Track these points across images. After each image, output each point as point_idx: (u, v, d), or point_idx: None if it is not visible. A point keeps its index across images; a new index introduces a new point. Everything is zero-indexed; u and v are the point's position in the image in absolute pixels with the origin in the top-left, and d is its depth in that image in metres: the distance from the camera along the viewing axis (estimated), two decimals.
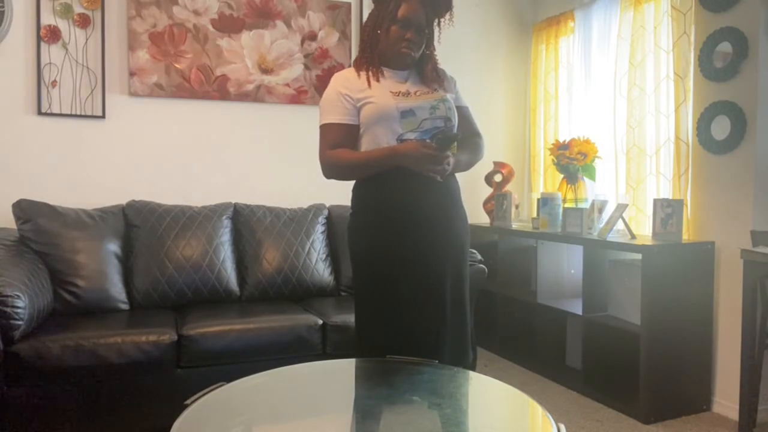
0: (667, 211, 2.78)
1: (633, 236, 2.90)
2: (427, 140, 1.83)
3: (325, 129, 1.90)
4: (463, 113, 2.04)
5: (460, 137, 1.93)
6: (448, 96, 1.95)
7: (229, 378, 1.64)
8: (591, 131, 3.49)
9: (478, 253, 2.96)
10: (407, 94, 1.89)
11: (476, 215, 3.97)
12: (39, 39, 2.94)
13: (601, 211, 3.14)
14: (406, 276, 1.86)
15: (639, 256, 2.73)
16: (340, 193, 3.55)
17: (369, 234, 1.90)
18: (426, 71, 1.98)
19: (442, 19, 1.98)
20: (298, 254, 3.04)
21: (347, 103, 1.87)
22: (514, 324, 3.60)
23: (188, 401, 1.43)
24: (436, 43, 2.02)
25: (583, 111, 3.64)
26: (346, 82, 1.90)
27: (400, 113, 1.83)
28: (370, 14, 1.99)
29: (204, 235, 2.90)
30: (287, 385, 1.73)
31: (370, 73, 1.90)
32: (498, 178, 3.79)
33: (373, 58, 1.93)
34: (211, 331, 2.46)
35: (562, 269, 3.42)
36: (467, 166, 2.00)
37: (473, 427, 1.48)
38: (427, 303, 1.87)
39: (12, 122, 2.94)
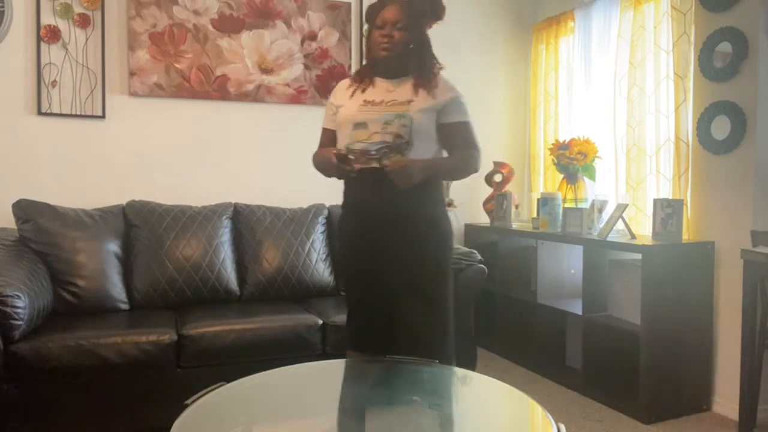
0: (667, 211, 2.78)
1: (633, 236, 2.90)
2: (338, 152, 1.93)
3: (321, 132, 2.18)
4: (452, 130, 2.02)
5: (353, 164, 1.90)
6: (411, 113, 1.94)
7: (229, 378, 1.64)
8: (591, 131, 3.48)
9: (478, 253, 2.96)
10: (378, 103, 1.97)
11: (476, 215, 3.97)
12: (39, 39, 2.94)
13: (601, 211, 3.14)
14: (364, 272, 2.03)
15: (639, 256, 2.73)
16: (341, 194, 3.55)
17: (340, 231, 2.17)
18: (418, 75, 2.01)
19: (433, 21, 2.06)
20: (298, 254, 3.04)
21: (331, 110, 2.12)
22: (514, 324, 3.60)
23: (188, 401, 1.43)
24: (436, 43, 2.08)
25: (583, 111, 3.63)
26: (337, 90, 2.13)
27: (353, 125, 1.97)
28: None
29: (204, 235, 2.90)
30: (287, 385, 1.73)
31: (362, 84, 2.05)
32: (498, 178, 3.79)
33: (366, 68, 2.09)
34: (211, 331, 2.46)
35: (562, 269, 3.42)
36: (448, 176, 2.12)
37: (473, 427, 1.48)
38: (380, 301, 2.00)
39: (12, 122, 2.94)
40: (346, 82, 2.12)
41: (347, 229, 2.09)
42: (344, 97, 2.06)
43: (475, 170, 2.10)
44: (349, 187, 2.07)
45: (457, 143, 2.04)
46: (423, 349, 1.88)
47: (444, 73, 2.09)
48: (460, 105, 2.05)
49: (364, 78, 2.05)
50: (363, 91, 2.02)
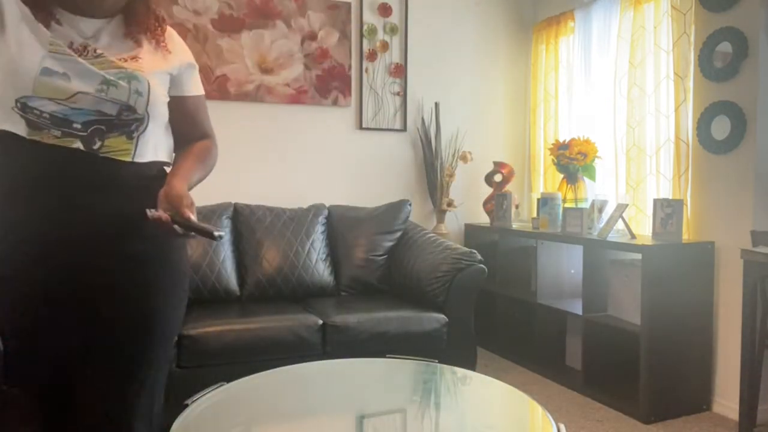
0: (667, 211, 2.78)
1: (633, 236, 2.90)
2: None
3: None
4: (191, 105, 1.42)
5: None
6: (147, 76, 1.28)
7: (229, 378, 1.64)
8: (591, 131, 3.49)
9: (478, 253, 2.96)
10: (82, 50, 1.23)
11: (476, 215, 3.97)
12: None
13: (601, 211, 3.14)
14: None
15: (639, 256, 2.73)
16: (340, 193, 3.56)
17: None
18: (139, 27, 1.31)
19: None
20: (298, 254, 3.04)
21: None
22: (514, 324, 3.60)
23: (188, 401, 1.43)
24: None
25: (583, 111, 3.64)
26: None
27: (42, 69, 1.17)
28: None
29: None
30: (287, 385, 1.73)
31: (38, 13, 1.21)
32: (498, 178, 3.79)
33: None
34: (211, 331, 2.46)
35: (562, 269, 3.42)
36: (197, 182, 1.47)
37: (473, 427, 1.48)
38: None
39: None
40: None
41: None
42: (10, 16, 1.19)
43: (213, 166, 1.55)
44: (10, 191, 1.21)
45: (192, 129, 1.45)
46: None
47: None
48: (196, 71, 1.44)
49: (37, 6, 1.21)
50: (45, 25, 1.20)
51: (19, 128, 1.17)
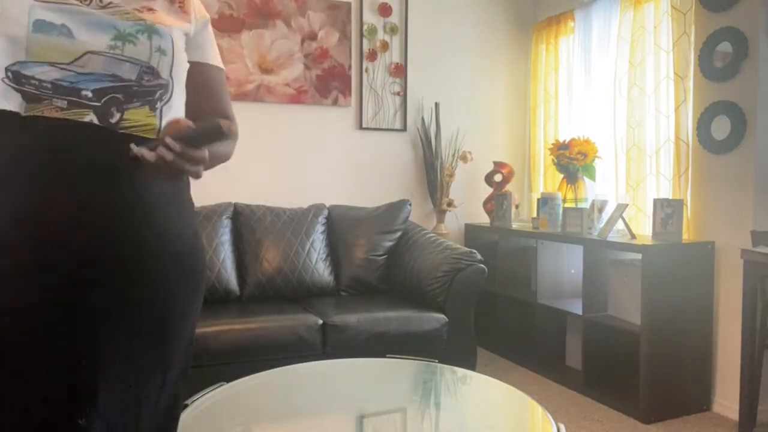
0: (667, 211, 2.78)
1: (633, 236, 2.90)
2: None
3: None
4: (211, 77, 1.21)
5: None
6: (169, 31, 1.06)
7: (229, 378, 1.64)
8: (591, 131, 3.49)
9: (478, 253, 2.96)
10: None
11: (476, 215, 3.97)
12: None
13: (601, 211, 3.14)
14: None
15: (639, 256, 2.73)
16: (340, 193, 3.56)
17: None
18: None
19: None
20: (298, 254, 3.04)
21: None
22: (514, 324, 3.60)
23: (188, 401, 1.43)
24: None
25: (583, 111, 3.64)
26: None
27: (33, 23, 0.92)
28: None
29: (204, 235, 2.90)
30: (287, 385, 1.73)
31: None
32: (498, 178, 3.79)
33: None
34: (211, 331, 2.46)
35: (562, 269, 3.42)
36: (218, 161, 1.26)
37: (473, 427, 1.48)
38: None
39: None
40: None
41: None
42: None
43: (231, 155, 1.25)
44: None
45: (212, 104, 1.20)
46: None
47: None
48: (212, 34, 1.28)
49: None
50: None
51: (14, 104, 0.92)
